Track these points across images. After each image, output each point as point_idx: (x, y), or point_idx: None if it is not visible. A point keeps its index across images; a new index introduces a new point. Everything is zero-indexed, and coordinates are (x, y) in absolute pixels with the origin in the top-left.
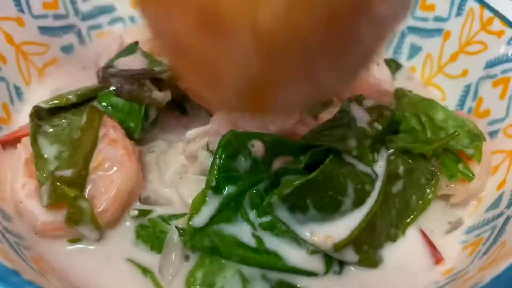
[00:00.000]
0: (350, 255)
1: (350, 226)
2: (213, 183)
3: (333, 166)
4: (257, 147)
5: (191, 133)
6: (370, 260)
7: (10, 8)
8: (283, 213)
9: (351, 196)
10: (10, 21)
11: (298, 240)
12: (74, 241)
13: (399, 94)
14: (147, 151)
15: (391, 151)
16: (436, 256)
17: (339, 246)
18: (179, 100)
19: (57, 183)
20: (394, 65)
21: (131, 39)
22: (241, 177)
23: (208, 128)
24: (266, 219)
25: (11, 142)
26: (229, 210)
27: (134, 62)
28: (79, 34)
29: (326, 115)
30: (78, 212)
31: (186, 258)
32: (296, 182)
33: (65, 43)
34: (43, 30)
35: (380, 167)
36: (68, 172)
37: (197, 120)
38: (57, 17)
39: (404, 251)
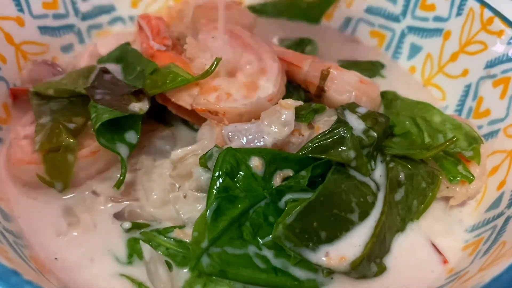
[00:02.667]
0: (366, 269)
1: (362, 242)
2: (214, 205)
3: (334, 183)
4: (257, 164)
5: (177, 153)
6: (382, 268)
7: (10, 8)
8: (291, 243)
9: (356, 211)
10: (10, 21)
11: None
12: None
13: (390, 97)
14: (130, 168)
15: (388, 158)
16: (440, 258)
17: (355, 264)
18: (159, 111)
19: (60, 126)
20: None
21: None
22: (241, 196)
23: (195, 147)
24: (270, 238)
25: (22, 93)
26: (232, 231)
27: (111, 68)
28: (79, 34)
29: (320, 124)
30: (62, 161)
31: (170, 267)
32: (297, 208)
33: (65, 43)
34: (43, 30)
35: (380, 175)
36: (70, 125)
37: (180, 135)
38: (57, 17)
39: (407, 254)
